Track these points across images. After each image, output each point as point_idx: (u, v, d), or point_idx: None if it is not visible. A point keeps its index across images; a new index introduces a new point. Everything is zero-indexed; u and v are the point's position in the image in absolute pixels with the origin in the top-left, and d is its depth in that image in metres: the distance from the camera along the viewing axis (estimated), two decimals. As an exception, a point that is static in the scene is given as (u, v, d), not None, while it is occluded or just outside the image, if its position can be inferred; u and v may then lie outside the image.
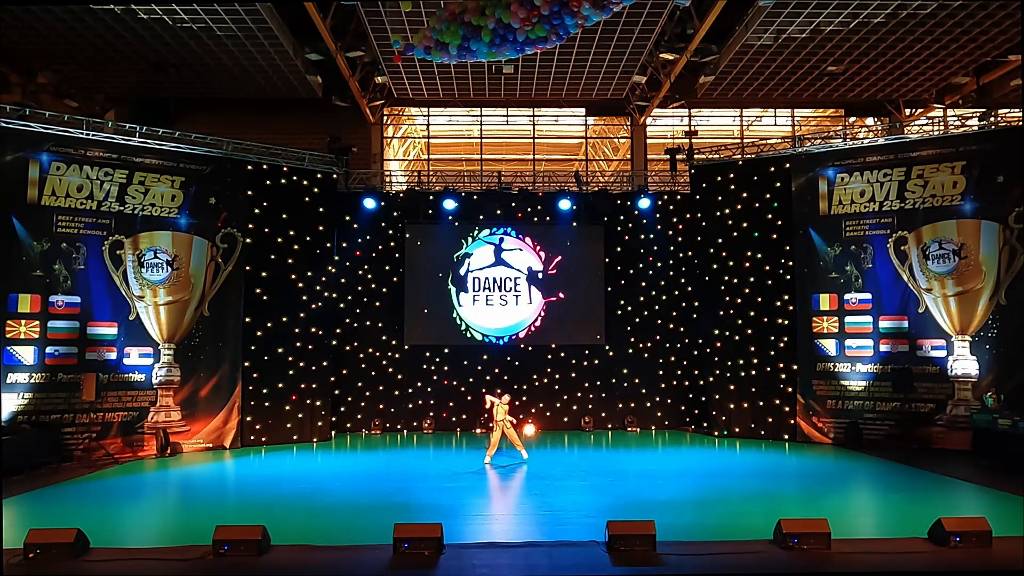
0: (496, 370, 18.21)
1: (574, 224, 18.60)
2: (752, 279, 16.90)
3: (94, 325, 14.49)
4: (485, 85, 19.66)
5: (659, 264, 18.57)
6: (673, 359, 18.51)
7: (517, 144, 23.48)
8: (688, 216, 18.44)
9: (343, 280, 17.99)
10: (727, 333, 17.09)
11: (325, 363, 16.94)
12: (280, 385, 16.22)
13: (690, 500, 10.69)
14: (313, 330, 16.73)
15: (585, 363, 18.44)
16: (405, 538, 7.69)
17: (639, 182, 19.70)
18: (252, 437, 15.89)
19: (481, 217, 18.57)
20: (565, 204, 18.34)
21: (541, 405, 18.13)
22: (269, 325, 16.19)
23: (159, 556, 7.74)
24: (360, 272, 18.22)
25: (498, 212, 18.46)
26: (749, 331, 16.83)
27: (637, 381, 18.37)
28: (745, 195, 17.12)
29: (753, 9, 15.46)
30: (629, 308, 18.56)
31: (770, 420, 16.54)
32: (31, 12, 14.87)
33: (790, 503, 10.47)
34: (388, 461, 14.62)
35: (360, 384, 18.00)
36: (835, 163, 16.21)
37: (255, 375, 15.98)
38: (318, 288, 16.91)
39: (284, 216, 16.57)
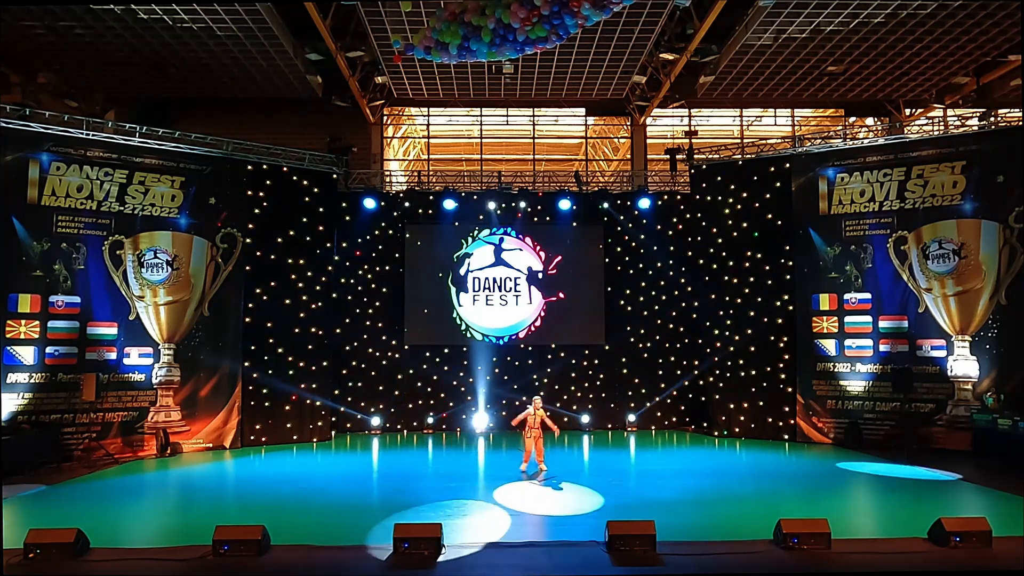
0: (496, 370, 18.22)
1: (574, 224, 18.59)
2: (752, 279, 16.92)
3: (94, 325, 14.51)
4: (485, 85, 19.66)
5: (659, 264, 18.55)
6: (673, 359, 18.50)
7: (517, 144, 23.48)
8: (688, 216, 18.43)
9: (343, 280, 18.00)
10: (727, 333, 17.10)
11: (325, 363, 16.95)
12: (280, 385, 16.25)
13: (690, 500, 10.69)
14: (313, 330, 16.73)
15: (585, 363, 18.43)
16: (405, 538, 7.70)
17: (639, 182, 19.69)
18: (252, 437, 15.90)
19: (481, 217, 18.56)
20: (565, 204, 18.34)
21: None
22: (269, 325, 16.20)
23: (159, 556, 7.74)
24: (360, 272, 18.22)
25: (498, 212, 18.47)
26: (749, 331, 16.84)
27: (637, 381, 18.37)
28: (745, 195, 17.13)
29: (753, 9, 15.47)
30: (629, 308, 18.55)
31: (770, 420, 16.54)
32: (31, 12, 14.88)
33: (790, 503, 10.47)
34: (388, 461, 14.63)
35: (360, 384, 18.01)
36: (835, 163, 16.21)
37: (255, 375, 16.00)
38: (318, 288, 16.92)
39: (284, 216, 16.58)
